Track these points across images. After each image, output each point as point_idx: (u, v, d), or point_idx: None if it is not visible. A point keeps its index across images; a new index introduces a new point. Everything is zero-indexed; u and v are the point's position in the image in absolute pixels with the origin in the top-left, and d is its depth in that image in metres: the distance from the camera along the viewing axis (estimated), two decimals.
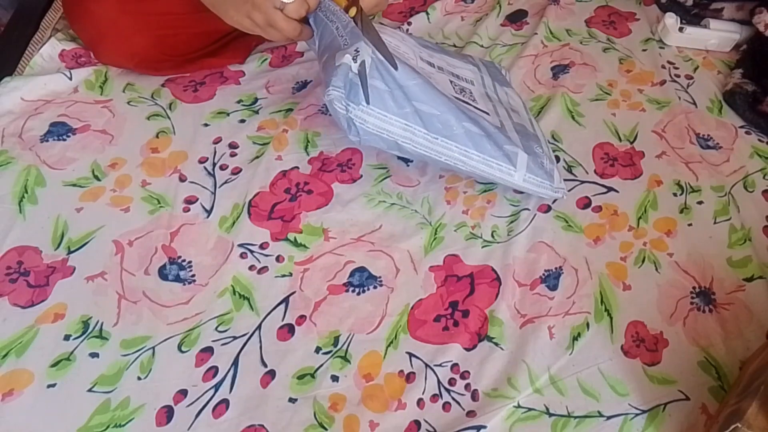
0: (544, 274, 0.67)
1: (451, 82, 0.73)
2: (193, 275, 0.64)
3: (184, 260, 0.65)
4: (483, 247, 0.69)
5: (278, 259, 0.66)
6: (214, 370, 0.58)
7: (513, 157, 0.67)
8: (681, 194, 0.75)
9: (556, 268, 0.67)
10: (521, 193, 0.73)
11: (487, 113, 0.71)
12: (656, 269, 0.68)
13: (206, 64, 0.84)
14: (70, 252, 0.65)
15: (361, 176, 0.74)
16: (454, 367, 0.60)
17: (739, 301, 0.66)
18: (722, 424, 0.50)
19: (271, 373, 0.59)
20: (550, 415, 0.57)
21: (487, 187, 0.74)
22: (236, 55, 0.86)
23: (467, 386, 0.59)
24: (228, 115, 0.79)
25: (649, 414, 0.58)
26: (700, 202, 0.74)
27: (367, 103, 0.61)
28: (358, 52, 0.61)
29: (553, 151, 0.78)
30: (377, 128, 0.62)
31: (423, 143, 0.64)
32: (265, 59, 0.87)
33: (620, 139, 0.81)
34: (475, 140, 0.65)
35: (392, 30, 0.77)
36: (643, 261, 0.68)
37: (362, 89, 0.61)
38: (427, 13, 0.96)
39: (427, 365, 0.60)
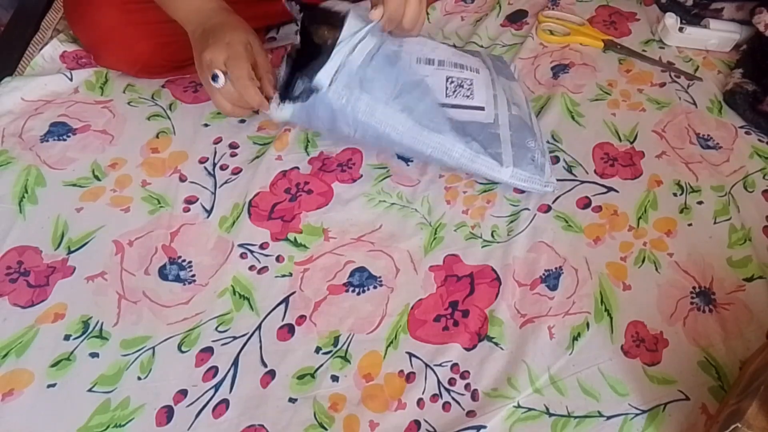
0: (544, 274, 0.67)
1: (447, 79, 0.73)
2: (193, 275, 0.64)
3: (184, 260, 0.65)
4: (483, 247, 0.69)
5: (278, 259, 0.66)
6: (214, 370, 0.58)
7: (498, 157, 0.69)
8: (681, 194, 0.75)
9: (556, 268, 0.67)
10: (521, 192, 0.73)
11: (483, 108, 0.72)
12: (656, 269, 0.68)
13: None
14: (70, 252, 0.65)
15: (361, 176, 0.74)
16: (454, 367, 0.60)
17: (739, 301, 0.66)
18: (722, 424, 0.50)
19: (271, 373, 0.59)
20: (550, 415, 0.57)
21: (487, 187, 0.74)
22: None
23: (467, 386, 0.59)
24: None
25: (649, 414, 0.58)
26: (700, 202, 0.74)
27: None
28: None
29: (553, 151, 0.78)
30: (365, 115, 0.65)
31: (409, 134, 0.67)
32: None
33: (620, 139, 0.81)
34: (460, 135, 0.68)
35: (392, 39, 0.77)
36: (643, 261, 0.68)
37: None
38: (427, 13, 0.96)
39: (427, 365, 0.60)
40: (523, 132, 0.71)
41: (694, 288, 0.67)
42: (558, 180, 0.74)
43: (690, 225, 0.72)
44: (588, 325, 0.63)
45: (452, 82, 0.73)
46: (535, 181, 0.70)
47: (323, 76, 0.63)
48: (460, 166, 0.70)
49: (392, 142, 0.69)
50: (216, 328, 0.61)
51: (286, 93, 0.67)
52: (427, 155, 0.69)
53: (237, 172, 0.73)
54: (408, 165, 0.76)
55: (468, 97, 0.72)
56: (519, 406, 0.57)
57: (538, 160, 0.70)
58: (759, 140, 0.82)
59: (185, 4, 0.70)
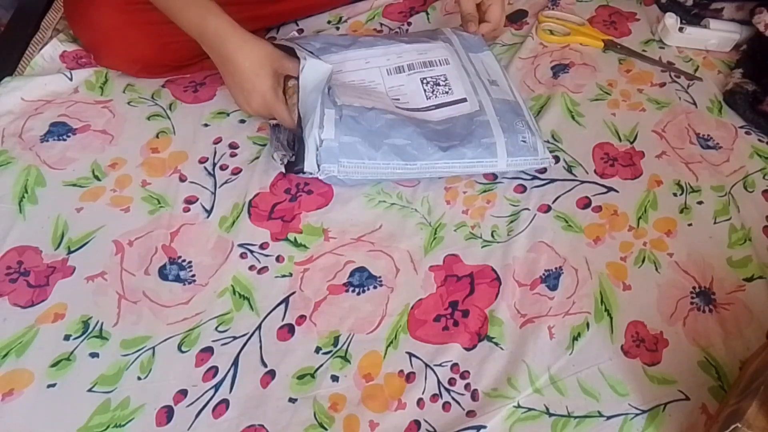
0: (544, 274, 0.67)
1: (422, 81, 0.75)
2: (193, 275, 0.64)
3: (184, 260, 0.65)
4: (483, 247, 0.69)
5: (278, 259, 0.66)
6: (214, 370, 0.58)
7: (492, 148, 0.70)
8: (681, 194, 0.75)
9: (556, 268, 0.67)
10: (521, 192, 0.73)
11: (465, 99, 0.73)
12: (656, 269, 0.68)
13: (207, 65, 0.84)
14: (70, 252, 0.65)
15: None
16: (454, 366, 0.60)
17: (739, 301, 0.66)
18: (722, 424, 0.50)
19: (271, 373, 0.59)
20: (550, 415, 0.57)
21: (486, 187, 0.74)
22: None
23: (467, 386, 0.59)
24: (228, 115, 0.79)
25: (649, 414, 0.58)
26: (700, 202, 0.74)
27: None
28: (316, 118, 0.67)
29: (553, 151, 0.78)
30: (360, 174, 0.68)
31: (403, 172, 0.69)
32: None
33: (620, 139, 0.81)
34: (451, 152, 0.69)
35: (356, 58, 0.76)
36: (643, 261, 0.68)
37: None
38: (427, 13, 0.96)
39: (427, 365, 0.60)
40: (509, 114, 0.73)
41: (694, 288, 0.67)
42: (558, 180, 0.75)
43: (690, 225, 0.72)
44: (588, 325, 0.63)
45: (427, 82, 0.75)
46: (530, 162, 0.72)
47: (309, 165, 0.67)
48: (461, 174, 0.73)
49: (393, 181, 0.72)
50: (216, 328, 0.61)
51: (289, 152, 0.72)
52: (428, 179, 0.72)
53: (237, 172, 0.73)
54: None
55: (447, 93, 0.74)
56: (519, 406, 0.57)
57: (529, 140, 0.72)
58: (759, 140, 0.82)
59: (186, 21, 0.70)
